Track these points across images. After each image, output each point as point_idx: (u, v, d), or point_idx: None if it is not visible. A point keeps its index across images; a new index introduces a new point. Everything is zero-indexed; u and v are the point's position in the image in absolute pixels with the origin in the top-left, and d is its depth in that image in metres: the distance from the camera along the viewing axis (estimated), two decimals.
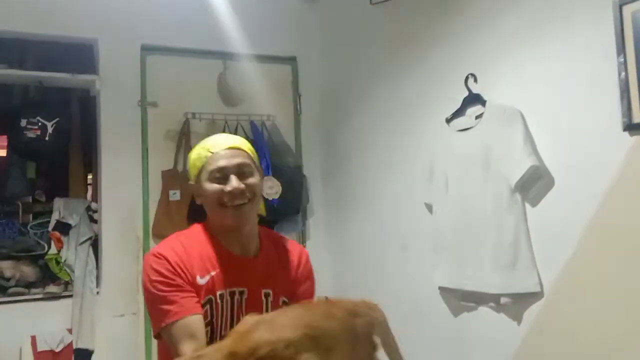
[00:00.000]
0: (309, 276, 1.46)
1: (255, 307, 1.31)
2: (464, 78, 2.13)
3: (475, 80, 2.11)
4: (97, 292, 2.82)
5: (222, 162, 1.34)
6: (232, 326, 1.28)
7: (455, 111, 2.17)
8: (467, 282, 2.07)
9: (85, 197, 3.16)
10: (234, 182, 1.32)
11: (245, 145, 1.42)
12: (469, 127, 2.10)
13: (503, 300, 1.93)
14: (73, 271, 2.80)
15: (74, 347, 2.71)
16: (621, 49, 1.57)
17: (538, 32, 1.86)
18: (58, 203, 2.92)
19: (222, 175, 1.33)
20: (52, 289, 2.77)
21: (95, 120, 3.00)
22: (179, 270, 1.28)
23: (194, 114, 3.06)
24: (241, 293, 1.33)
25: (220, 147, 1.37)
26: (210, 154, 1.36)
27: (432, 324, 2.33)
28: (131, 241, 2.92)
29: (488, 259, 1.94)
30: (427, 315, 2.35)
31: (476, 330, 2.12)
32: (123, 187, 2.93)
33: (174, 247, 1.32)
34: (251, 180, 1.35)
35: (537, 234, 1.87)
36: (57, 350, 2.67)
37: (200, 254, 1.32)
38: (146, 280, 1.29)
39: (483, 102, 2.06)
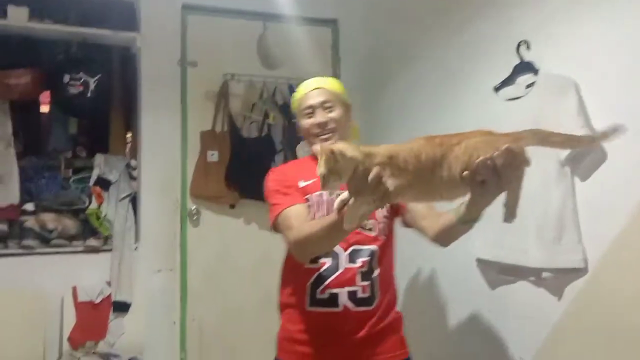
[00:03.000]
0: None
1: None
2: (516, 45, 2.05)
3: (528, 47, 2.02)
4: (136, 248, 2.89)
5: (309, 101, 1.71)
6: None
7: (505, 79, 2.10)
8: (508, 254, 2.03)
9: (125, 155, 3.20)
10: (318, 116, 1.70)
11: (330, 84, 1.76)
12: (518, 96, 2.03)
13: (545, 274, 1.89)
14: (113, 226, 2.86)
15: (113, 299, 2.79)
16: None
17: None
18: (99, 159, 2.97)
19: (311, 111, 1.71)
20: (92, 242, 2.85)
21: (135, 78, 3.01)
22: (285, 177, 1.69)
23: (232, 75, 3.05)
24: (339, 194, 1.56)
25: (309, 89, 1.74)
26: (302, 95, 1.74)
27: (469, 296, 2.31)
28: (169, 200, 2.97)
29: (532, 233, 1.90)
30: (463, 288, 2.33)
31: (514, 304, 2.09)
32: (162, 146, 2.97)
33: (284, 164, 1.90)
34: (332, 114, 1.70)
35: (585, 209, 1.81)
36: (97, 301, 2.76)
37: (303, 169, 1.70)
38: (265, 186, 1.72)
39: (535, 71, 1.98)
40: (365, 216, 1.32)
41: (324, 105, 1.69)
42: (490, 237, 2.09)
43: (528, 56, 2.03)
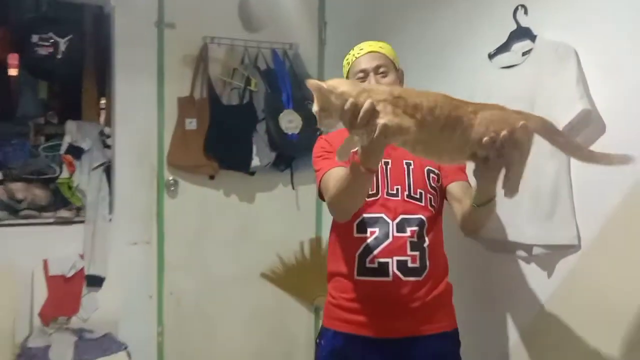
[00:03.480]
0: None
1: (398, 173, 1.68)
2: (513, 9, 1.93)
3: (526, 12, 1.91)
4: (110, 219, 2.78)
5: (363, 65, 1.67)
6: (378, 188, 1.66)
7: (500, 46, 1.98)
8: (497, 229, 1.95)
9: (99, 122, 3.07)
10: (371, 81, 1.63)
11: (385, 48, 1.72)
12: (514, 64, 1.92)
13: (536, 250, 1.82)
14: (85, 196, 2.74)
15: (86, 273, 2.68)
16: None
17: None
18: (70, 126, 2.83)
19: (364, 75, 1.66)
20: (64, 213, 2.72)
21: (109, 40, 2.85)
22: (328, 143, 1.69)
23: (212, 38, 2.90)
24: (386, 163, 1.67)
25: (363, 52, 1.69)
26: (355, 58, 1.70)
27: (455, 272, 2.24)
28: (146, 169, 2.85)
29: (523, 207, 1.82)
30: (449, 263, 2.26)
31: (503, 280, 2.03)
32: (137, 112, 2.83)
33: (332, 132, 1.71)
34: (386, 79, 1.65)
35: (580, 183, 1.73)
36: (69, 275, 2.65)
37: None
38: (314, 151, 1.75)
39: (532, 37, 1.87)
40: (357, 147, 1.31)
41: (378, 70, 1.66)
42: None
43: (525, 22, 1.92)
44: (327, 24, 3.12)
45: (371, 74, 1.64)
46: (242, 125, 2.88)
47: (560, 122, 1.71)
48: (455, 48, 2.28)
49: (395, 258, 1.61)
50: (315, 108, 1.18)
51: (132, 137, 2.82)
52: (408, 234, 1.62)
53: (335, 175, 1.55)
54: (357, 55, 1.69)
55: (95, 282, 2.69)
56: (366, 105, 1.11)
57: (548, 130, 1.28)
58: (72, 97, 3.05)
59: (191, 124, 2.86)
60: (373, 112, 1.13)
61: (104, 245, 2.72)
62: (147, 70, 2.82)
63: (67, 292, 2.63)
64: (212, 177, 2.96)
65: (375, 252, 1.62)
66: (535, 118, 1.27)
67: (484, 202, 1.43)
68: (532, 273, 1.90)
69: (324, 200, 1.65)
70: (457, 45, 2.27)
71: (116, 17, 2.77)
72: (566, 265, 1.79)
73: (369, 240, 1.62)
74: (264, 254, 3.05)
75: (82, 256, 2.70)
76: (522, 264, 1.95)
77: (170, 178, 2.89)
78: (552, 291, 1.83)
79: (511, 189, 1.26)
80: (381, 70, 1.65)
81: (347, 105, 1.12)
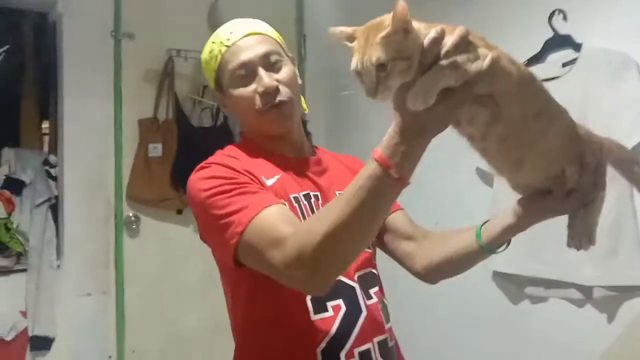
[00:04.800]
0: None
1: None
2: (548, 15, 1.71)
3: (565, 18, 1.69)
4: (58, 266, 2.45)
5: (243, 56, 1.09)
6: None
7: (532, 57, 1.75)
8: (548, 269, 1.70)
9: (41, 149, 2.71)
10: (265, 79, 1.08)
11: (269, 28, 1.17)
12: (552, 76, 1.68)
13: (597, 292, 1.58)
14: (27, 240, 2.42)
15: (30, 334, 2.33)
16: None
17: None
18: (8, 154, 2.49)
19: (247, 72, 1.09)
20: (1, 261, 2.38)
21: (54, 53, 2.52)
22: (241, 170, 1.03)
23: (178, 51, 2.61)
24: (316, 196, 1.10)
25: (236, 36, 1.11)
26: (225, 48, 1.11)
27: (485, 316, 1.97)
28: (100, 204, 2.54)
29: None
30: (479, 305, 1.99)
31: (546, 327, 1.77)
32: (90, 137, 2.51)
33: (224, 154, 1.10)
34: (284, 72, 1.11)
35: None
36: (8, 338, 2.27)
37: (255, 162, 1.09)
38: (199, 196, 1.01)
39: (576, 46, 1.65)
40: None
41: (269, 60, 1.10)
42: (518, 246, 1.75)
43: (564, 28, 1.69)
44: (307, 37, 2.84)
45: (260, 70, 1.09)
46: (215, 150, 2.53)
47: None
48: None
49: (376, 340, 1.09)
50: (379, 55, 0.73)
51: (84, 166, 2.49)
52: (375, 299, 1.11)
53: (284, 215, 0.95)
54: (229, 43, 1.11)
55: (42, 344, 2.33)
56: (461, 30, 0.74)
57: (625, 160, 0.98)
58: (9, 120, 2.64)
59: (155, 149, 2.57)
60: (469, 44, 0.75)
61: (51, 299, 2.37)
62: (102, 87, 2.51)
63: (7, 358, 2.26)
64: (179, 212, 2.66)
65: (352, 338, 1.05)
66: (611, 143, 0.97)
67: (503, 243, 1.05)
68: (588, 318, 1.65)
69: (240, 265, 0.98)
70: None
71: (64, 25, 2.46)
72: (631, 309, 1.56)
73: (337, 321, 1.05)
74: None
75: (24, 313, 2.33)
76: (571, 307, 1.70)
77: (130, 214, 2.58)
78: (614, 339, 1.59)
79: (589, 237, 0.94)
80: (273, 59, 1.10)
81: (433, 34, 0.73)
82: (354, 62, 0.75)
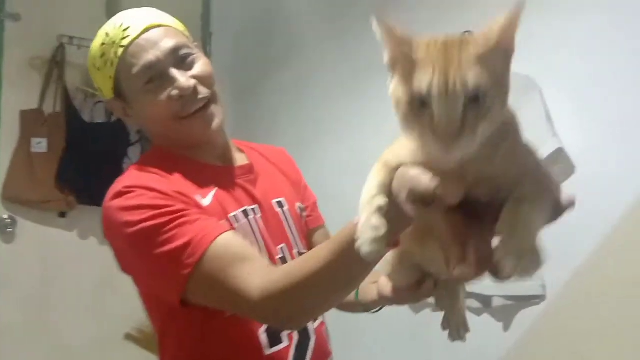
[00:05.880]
0: (300, 175, 1.19)
1: (274, 223, 1.02)
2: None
3: None
4: None
5: (147, 56, 0.92)
6: (261, 252, 0.98)
7: None
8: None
9: None
10: (180, 80, 0.92)
11: (169, 17, 1.01)
12: None
13: (496, 302, 1.65)
14: None
15: None
16: None
17: None
18: None
19: (156, 75, 0.92)
20: None
21: None
22: (171, 193, 0.88)
23: (71, 38, 2.37)
24: (253, 211, 0.99)
25: (134, 33, 0.93)
26: (122, 50, 0.93)
27: (387, 325, 1.99)
28: None
29: None
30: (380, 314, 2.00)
31: (445, 336, 1.82)
32: None
33: (144, 172, 0.93)
34: (200, 67, 0.96)
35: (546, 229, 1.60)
36: None
37: (182, 178, 0.94)
38: (124, 231, 0.85)
39: None
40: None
41: (179, 57, 0.94)
42: None
43: None
44: (214, 35, 2.72)
45: (171, 70, 0.92)
46: (109, 149, 2.40)
47: None
48: (379, 73, 2.06)
49: None
50: (482, 84, 0.52)
51: None
52: (320, 319, 1.05)
53: (237, 247, 0.85)
54: (126, 43, 0.92)
55: None
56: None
57: None
58: None
59: (40, 145, 2.31)
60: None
61: None
62: None
63: None
64: (62, 215, 2.41)
65: None
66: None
67: (378, 307, 1.02)
68: (487, 326, 1.72)
69: (185, 304, 0.87)
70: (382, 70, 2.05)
71: None
72: (526, 318, 1.65)
73: (292, 351, 0.96)
74: (130, 309, 2.47)
75: None
76: (471, 316, 1.76)
77: (6, 216, 2.29)
78: (511, 345, 1.67)
79: (464, 324, 0.90)
80: (183, 53, 0.94)
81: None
82: (426, 82, 0.51)
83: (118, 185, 0.89)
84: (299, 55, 2.40)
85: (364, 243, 0.60)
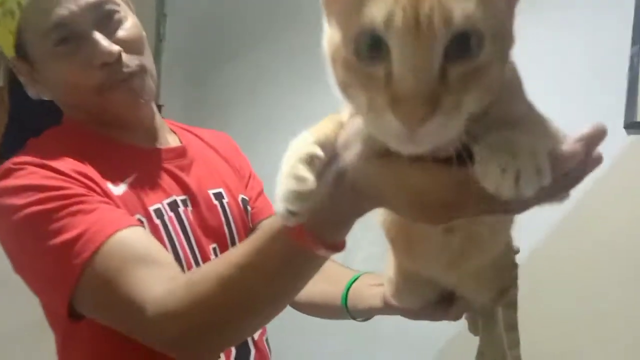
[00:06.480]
0: (246, 162, 1.04)
1: (209, 217, 0.85)
2: None
3: None
4: None
5: (60, 10, 0.73)
6: (194, 256, 0.80)
7: None
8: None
9: None
10: (102, 44, 0.74)
11: None
12: None
13: None
14: None
15: None
16: (637, 39, 1.45)
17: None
18: None
19: (70, 35, 0.75)
20: None
21: None
22: (72, 174, 0.71)
23: None
24: (184, 202, 0.83)
25: None
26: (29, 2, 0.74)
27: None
28: None
29: None
30: None
31: (397, 323, 1.89)
32: None
33: (43, 147, 0.78)
34: (127, 29, 0.79)
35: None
36: None
37: (93, 159, 0.76)
38: (7, 219, 0.69)
39: None
40: None
41: (102, 13, 0.77)
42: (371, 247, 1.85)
43: None
44: (167, 17, 2.64)
45: (92, 31, 0.76)
46: (54, 125, 2.22)
47: None
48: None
49: None
50: (474, 18, 0.35)
51: None
52: (259, 330, 0.92)
53: (140, 247, 0.69)
54: None
55: None
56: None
57: None
58: None
59: None
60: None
61: None
62: None
63: None
64: None
65: None
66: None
67: (367, 317, 0.90)
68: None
69: (78, 318, 0.71)
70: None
71: None
72: None
73: None
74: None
75: None
76: None
77: None
78: (459, 328, 1.76)
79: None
80: (107, 9, 0.77)
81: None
82: (383, 11, 0.33)
83: (8, 162, 0.75)
84: (256, 42, 2.38)
85: (282, 198, 0.45)
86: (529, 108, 0.44)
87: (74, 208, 0.68)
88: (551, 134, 0.41)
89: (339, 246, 0.53)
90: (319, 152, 0.47)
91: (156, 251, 0.69)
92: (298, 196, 0.44)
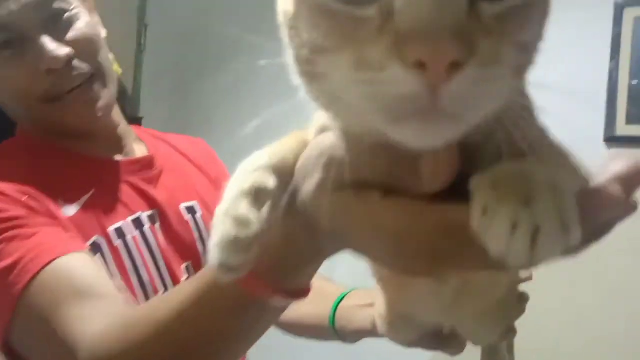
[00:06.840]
0: (224, 170, 0.93)
1: (180, 233, 0.77)
2: None
3: None
4: None
5: (0, 10, 0.65)
6: (161, 278, 0.73)
7: None
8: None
9: None
10: (48, 48, 0.66)
11: None
12: None
13: None
14: None
15: None
16: (616, 54, 1.47)
17: None
18: None
19: (11, 37, 0.67)
20: None
21: None
22: (12, 194, 0.64)
23: None
24: (151, 218, 0.75)
25: None
26: None
27: None
28: None
29: None
30: None
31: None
32: None
33: None
34: (77, 30, 0.70)
35: None
36: None
37: (46, 173, 0.69)
38: None
39: None
40: None
41: (48, 13, 0.69)
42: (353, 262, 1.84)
43: None
44: (149, 27, 2.62)
45: (38, 35, 0.68)
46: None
47: None
48: None
49: None
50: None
51: None
52: None
53: (77, 278, 0.60)
54: None
55: None
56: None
57: None
58: None
59: None
60: None
61: None
62: None
63: None
64: None
65: None
66: None
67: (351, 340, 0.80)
68: None
69: (13, 353, 0.63)
70: None
71: None
72: None
73: None
74: None
75: None
76: None
77: None
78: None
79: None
80: (55, 8, 0.69)
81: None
82: None
83: None
84: (238, 53, 2.37)
85: (216, 245, 0.36)
86: (543, 133, 0.34)
87: (11, 233, 0.61)
88: (574, 169, 0.32)
89: (302, 292, 0.43)
90: (270, 184, 0.37)
91: (97, 281, 0.60)
92: (237, 245, 0.35)
